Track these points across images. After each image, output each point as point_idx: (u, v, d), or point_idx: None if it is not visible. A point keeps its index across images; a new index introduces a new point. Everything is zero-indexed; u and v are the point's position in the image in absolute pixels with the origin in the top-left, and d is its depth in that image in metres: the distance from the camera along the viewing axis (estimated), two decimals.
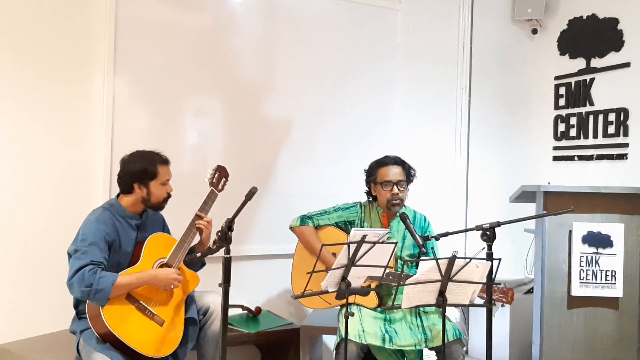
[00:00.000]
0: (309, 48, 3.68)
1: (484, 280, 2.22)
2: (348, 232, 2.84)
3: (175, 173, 2.62)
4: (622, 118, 3.81)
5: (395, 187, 2.85)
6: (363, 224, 2.96)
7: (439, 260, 2.09)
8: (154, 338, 2.39)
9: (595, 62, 4.00)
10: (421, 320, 2.72)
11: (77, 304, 2.50)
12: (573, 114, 4.13)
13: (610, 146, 3.86)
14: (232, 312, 3.23)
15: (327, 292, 2.22)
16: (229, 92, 3.45)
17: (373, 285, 2.76)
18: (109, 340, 2.30)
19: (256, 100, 3.53)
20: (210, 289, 2.71)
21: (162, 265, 2.52)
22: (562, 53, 4.21)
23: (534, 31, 4.33)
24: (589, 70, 4.04)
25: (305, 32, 3.67)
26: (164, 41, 3.26)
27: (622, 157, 3.79)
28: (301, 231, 2.97)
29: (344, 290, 2.21)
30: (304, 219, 2.97)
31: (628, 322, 2.87)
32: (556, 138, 4.23)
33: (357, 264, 2.20)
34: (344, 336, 2.33)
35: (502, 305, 2.49)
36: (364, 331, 2.60)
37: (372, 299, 2.79)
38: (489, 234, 2.39)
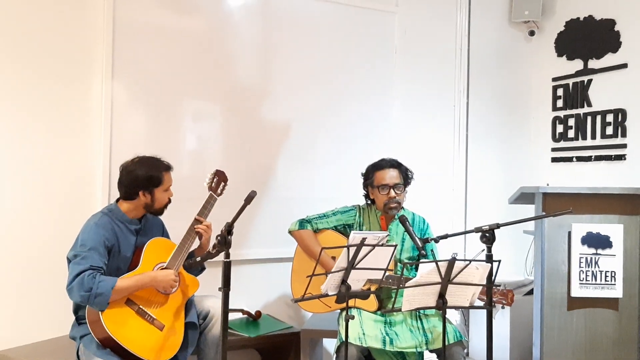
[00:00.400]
0: (306, 51, 3.69)
1: (484, 282, 2.22)
2: (347, 236, 2.84)
3: (174, 177, 2.62)
4: (620, 119, 3.81)
5: (392, 190, 2.85)
6: (362, 227, 2.95)
7: (438, 263, 2.09)
8: (154, 343, 2.39)
9: (593, 64, 4.01)
10: (422, 323, 2.72)
11: (77, 310, 2.50)
12: (571, 115, 4.13)
13: (609, 147, 3.87)
14: (232, 316, 3.21)
15: (327, 295, 2.22)
16: (227, 95, 3.46)
17: (373, 288, 2.76)
18: (109, 345, 2.30)
19: (254, 103, 3.53)
20: (210, 293, 2.71)
21: (161, 269, 2.51)
22: (560, 54, 4.22)
23: (531, 33, 4.34)
24: (586, 71, 4.04)
25: (302, 36, 3.68)
26: (161, 45, 3.27)
27: (621, 157, 3.80)
28: (300, 235, 2.97)
29: (344, 293, 2.21)
30: (302, 223, 2.97)
31: (628, 322, 2.87)
32: (554, 139, 4.24)
33: (357, 267, 2.20)
34: (344, 339, 2.32)
35: (502, 307, 2.49)
36: (364, 334, 2.60)
37: (372, 302, 2.79)
38: (488, 235, 2.40)
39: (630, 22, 3.79)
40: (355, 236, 2.18)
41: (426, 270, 2.10)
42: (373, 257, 2.20)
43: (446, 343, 2.29)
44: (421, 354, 2.71)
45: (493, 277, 2.29)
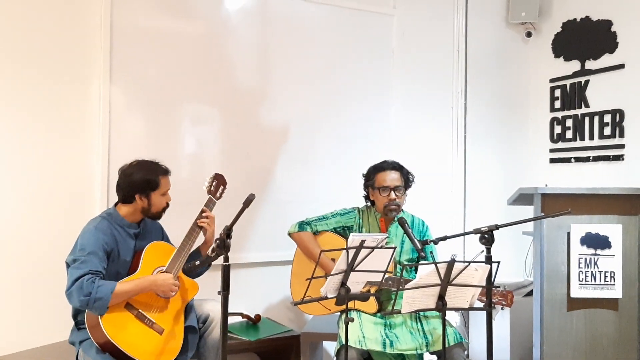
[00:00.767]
0: (304, 54, 3.69)
1: (484, 284, 2.22)
2: (346, 238, 2.84)
3: (172, 181, 2.62)
4: (617, 119, 3.82)
5: (392, 192, 2.86)
6: (361, 229, 2.95)
7: (438, 265, 2.09)
8: (154, 347, 2.38)
9: (590, 64, 4.02)
10: (422, 325, 2.72)
11: (76, 314, 2.49)
12: (569, 116, 4.14)
13: (607, 147, 3.88)
14: (231, 319, 3.22)
15: (326, 298, 2.22)
16: (226, 99, 3.46)
17: (372, 290, 2.76)
18: (108, 349, 2.30)
19: (253, 106, 3.54)
20: (209, 297, 2.71)
21: (161, 273, 2.51)
22: (557, 55, 4.23)
23: (529, 34, 4.35)
24: (583, 72, 4.05)
25: (301, 39, 3.68)
26: (160, 48, 3.27)
27: (619, 158, 3.80)
28: (300, 237, 2.97)
29: (344, 295, 2.21)
30: (302, 225, 2.97)
31: (628, 322, 2.87)
32: (552, 140, 4.24)
33: (356, 269, 2.20)
34: (344, 342, 2.32)
35: (502, 308, 2.49)
36: (364, 337, 2.60)
37: (372, 304, 2.79)
38: (487, 237, 2.40)
39: (627, 23, 3.80)
40: (354, 238, 2.18)
41: (425, 272, 2.10)
42: (372, 259, 2.20)
43: (446, 345, 2.29)
44: (421, 356, 2.71)
45: (492, 279, 2.29)
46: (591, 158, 3.97)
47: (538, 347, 2.89)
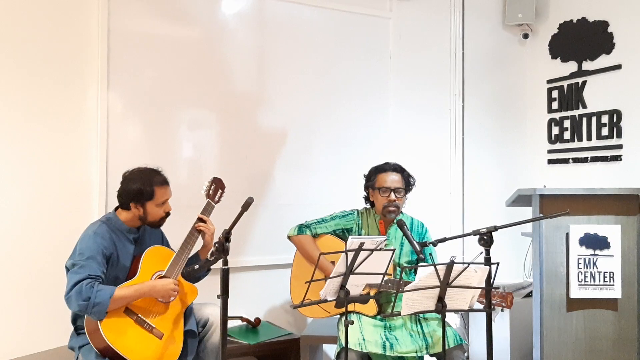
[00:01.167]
0: (301, 57, 3.70)
1: (483, 285, 2.22)
2: (346, 240, 2.84)
3: (171, 186, 2.61)
4: (615, 120, 3.83)
5: (392, 193, 2.86)
6: (361, 231, 2.96)
7: (437, 266, 2.09)
8: (154, 351, 2.38)
9: (587, 65, 4.03)
10: (421, 327, 2.72)
11: (75, 319, 2.49)
12: (566, 117, 4.15)
13: (604, 148, 3.88)
14: (231, 323, 3.22)
15: (326, 300, 2.22)
16: (223, 103, 3.46)
17: (372, 292, 2.76)
18: (108, 354, 2.29)
19: (250, 110, 3.54)
20: (208, 301, 2.71)
21: (160, 278, 2.51)
22: (554, 57, 4.24)
23: (525, 36, 4.37)
24: (580, 73, 4.06)
25: (298, 42, 3.69)
26: (156, 54, 3.27)
27: (617, 158, 3.81)
28: (299, 240, 2.97)
29: (343, 298, 2.21)
30: (301, 228, 2.97)
31: (627, 323, 2.87)
32: (550, 141, 4.25)
33: (356, 271, 2.19)
34: (344, 345, 2.32)
35: (502, 310, 2.49)
36: (364, 339, 2.59)
37: (372, 306, 2.79)
38: (486, 238, 2.40)
39: (623, 24, 3.81)
40: (353, 241, 2.18)
41: (425, 274, 2.10)
42: (371, 261, 2.20)
43: (446, 347, 2.29)
44: (421, 358, 2.71)
45: (492, 280, 2.29)
46: (589, 159, 3.98)
47: (538, 348, 2.89)
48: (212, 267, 2.45)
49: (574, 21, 4.11)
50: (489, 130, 4.33)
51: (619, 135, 3.81)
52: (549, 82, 4.27)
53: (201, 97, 3.41)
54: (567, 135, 4.14)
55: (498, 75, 4.39)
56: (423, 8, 4.15)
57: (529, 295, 3.63)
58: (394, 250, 2.28)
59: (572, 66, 4.13)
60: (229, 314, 2.29)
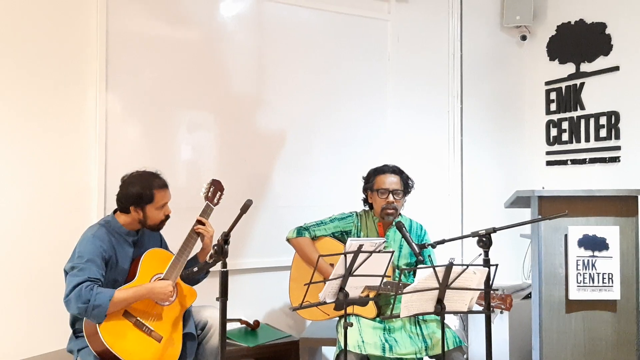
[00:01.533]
0: (300, 60, 3.70)
1: (482, 287, 2.22)
2: (345, 242, 2.84)
3: (170, 188, 2.61)
4: (613, 121, 3.83)
5: (391, 195, 2.87)
6: (359, 233, 2.96)
7: (436, 268, 2.09)
8: (152, 354, 2.38)
9: (585, 67, 4.03)
10: (421, 329, 2.72)
11: (74, 322, 2.48)
12: (565, 119, 4.16)
13: (603, 149, 3.89)
14: (230, 326, 3.21)
15: (325, 303, 2.22)
16: (222, 105, 3.46)
17: (371, 295, 2.76)
18: (106, 358, 2.29)
19: (249, 112, 3.54)
20: (207, 304, 2.70)
21: (159, 281, 2.50)
22: (552, 58, 4.25)
23: (523, 37, 4.37)
24: (578, 74, 4.07)
25: (296, 44, 3.69)
26: (156, 56, 3.27)
27: (615, 160, 3.81)
28: (298, 242, 2.97)
29: (342, 300, 2.21)
30: (300, 230, 2.97)
31: (626, 324, 2.87)
32: (549, 143, 4.26)
33: (355, 274, 2.19)
34: (343, 347, 2.32)
35: (501, 312, 2.49)
36: (363, 342, 2.59)
37: (371, 308, 2.79)
38: (485, 240, 2.40)
39: (621, 25, 3.82)
40: (352, 243, 2.18)
41: (424, 276, 2.10)
42: (370, 263, 2.20)
43: (445, 349, 2.29)
44: None
45: (491, 282, 2.29)
46: (587, 160, 3.98)
47: (537, 350, 2.89)
48: (211, 269, 2.44)
49: (572, 23, 4.12)
50: (487, 131, 4.33)
51: (617, 137, 3.82)
52: (547, 83, 4.28)
53: (200, 99, 3.41)
54: (565, 136, 4.15)
55: (496, 76, 4.39)
56: (421, 10, 4.16)
57: (528, 296, 3.64)
58: (392, 252, 2.28)
59: (570, 68, 4.14)
60: (228, 316, 2.28)
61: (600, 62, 3.93)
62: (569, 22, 4.13)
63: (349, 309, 2.73)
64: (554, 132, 4.23)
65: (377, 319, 2.78)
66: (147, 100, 3.25)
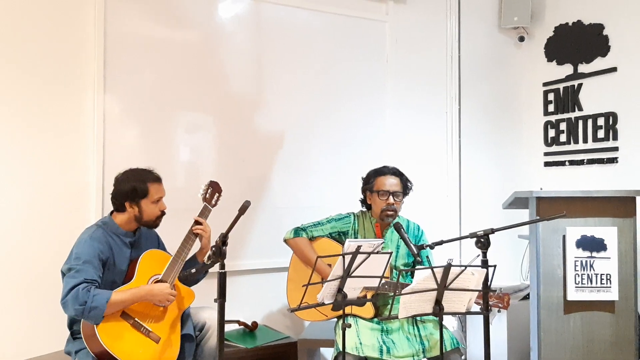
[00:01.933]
0: (298, 61, 3.70)
1: (480, 288, 2.22)
2: (342, 243, 2.84)
3: (168, 189, 2.61)
4: (611, 122, 3.84)
5: (391, 197, 2.86)
6: (357, 234, 2.96)
7: (434, 269, 2.09)
8: (150, 355, 2.37)
9: (583, 68, 4.04)
10: (418, 330, 2.72)
11: (72, 324, 2.48)
12: (562, 120, 4.16)
13: (601, 150, 3.89)
14: (228, 327, 3.21)
15: (323, 304, 2.21)
16: (220, 106, 3.46)
17: (369, 295, 2.75)
18: (104, 359, 2.28)
19: (247, 113, 3.54)
20: (205, 305, 2.70)
21: (157, 282, 2.50)
22: (550, 59, 4.25)
23: (521, 39, 4.38)
24: (576, 75, 4.07)
25: (295, 45, 3.69)
26: (153, 57, 3.27)
27: (613, 160, 3.82)
28: (295, 243, 2.96)
29: (341, 301, 2.20)
30: (297, 231, 2.97)
31: (624, 324, 2.87)
32: (547, 144, 4.26)
33: (353, 275, 2.19)
34: (341, 349, 2.31)
35: (499, 311, 2.49)
36: (361, 343, 2.59)
37: (369, 309, 2.79)
38: (483, 241, 2.40)
39: (618, 26, 3.82)
40: (350, 244, 2.18)
41: (422, 277, 2.10)
42: (368, 264, 2.20)
43: (443, 350, 2.29)
44: None
45: (489, 282, 2.29)
46: (585, 161, 3.99)
47: (535, 351, 2.89)
48: (209, 270, 2.44)
49: (570, 24, 4.12)
50: (485, 132, 4.34)
51: (615, 138, 3.82)
52: (545, 84, 4.28)
53: (198, 100, 3.40)
54: (563, 137, 4.15)
55: (494, 78, 4.40)
56: (419, 11, 4.16)
57: (526, 297, 3.64)
58: (391, 253, 2.28)
59: (567, 69, 4.14)
60: (226, 317, 2.28)
61: (598, 63, 3.94)
62: (567, 23, 4.14)
63: (347, 310, 2.73)
64: (551, 133, 4.23)
65: (375, 319, 2.78)
66: (145, 101, 3.25)
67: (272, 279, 3.46)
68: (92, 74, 3.11)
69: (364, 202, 3.02)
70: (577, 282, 2.86)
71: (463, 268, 2.12)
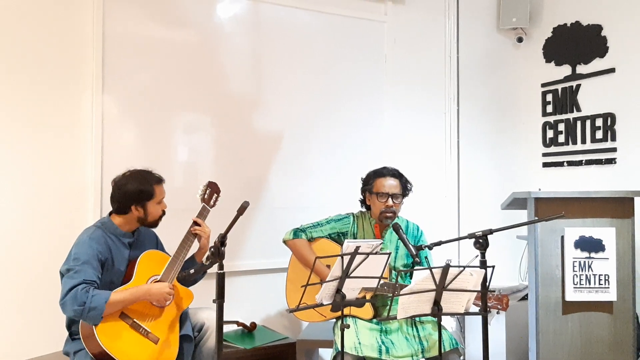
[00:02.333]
0: (296, 61, 3.70)
1: (479, 288, 2.22)
2: (341, 244, 2.84)
3: (166, 190, 2.62)
4: (609, 123, 3.84)
5: (390, 199, 2.86)
6: (356, 235, 2.96)
7: (433, 270, 2.09)
8: (149, 356, 2.37)
9: (581, 69, 4.04)
10: (417, 331, 2.72)
11: (70, 325, 2.48)
12: (561, 120, 4.16)
13: (599, 151, 3.90)
14: (227, 328, 3.21)
15: (322, 304, 2.21)
16: (219, 107, 3.46)
17: (368, 296, 2.76)
18: (103, 359, 2.28)
19: (246, 114, 3.54)
20: (204, 305, 2.70)
21: (155, 282, 2.50)
22: (548, 60, 4.25)
23: (520, 39, 4.38)
24: (574, 76, 4.08)
25: (293, 46, 3.69)
26: (152, 58, 3.27)
27: (611, 161, 3.82)
28: (294, 244, 2.96)
29: (339, 302, 2.20)
30: (297, 232, 2.97)
31: (623, 325, 2.87)
32: (545, 144, 4.26)
33: (351, 275, 2.19)
34: (340, 349, 2.31)
35: (498, 312, 2.49)
36: (360, 343, 2.59)
37: (368, 310, 2.79)
38: (481, 241, 2.40)
39: (617, 27, 3.83)
40: (348, 245, 2.18)
41: (420, 278, 2.10)
42: (367, 265, 2.20)
43: (442, 350, 2.29)
44: None
45: (487, 283, 2.29)
46: (583, 162, 3.99)
47: (534, 351, 2.89)
48: (207, 271, 2.44)
49: (568, 25, 4.13)
50: (484, 133, 4.34)
51: (613, 139, 3.82)
52: (543, 85, 4.29)
53: (197, 101, 3.41)
54: (561, 138, 4.16)
55: (493, 78, 4.40)
56: (418, 12, 4.17)
57: (525, 298, 3.64)
58: (389, 254, 2.28)
59: (566, 70, 4.14)
60: (225, 318, 2.28)
61: (596, 64, 3.94)
62: (565, 24, 4.14)
63: (346, 311, 2.73)
64: (550, 133, 4.24)
65: (374, 320, 2.78)
66: (143, 101, 3.25)
67: (270, 279, 3.47)
68: (90, 74, 3.11)
69: (363, 202, 3.02)
70: (575, 283, 2.86)
71: (462, 269, 2.12)
